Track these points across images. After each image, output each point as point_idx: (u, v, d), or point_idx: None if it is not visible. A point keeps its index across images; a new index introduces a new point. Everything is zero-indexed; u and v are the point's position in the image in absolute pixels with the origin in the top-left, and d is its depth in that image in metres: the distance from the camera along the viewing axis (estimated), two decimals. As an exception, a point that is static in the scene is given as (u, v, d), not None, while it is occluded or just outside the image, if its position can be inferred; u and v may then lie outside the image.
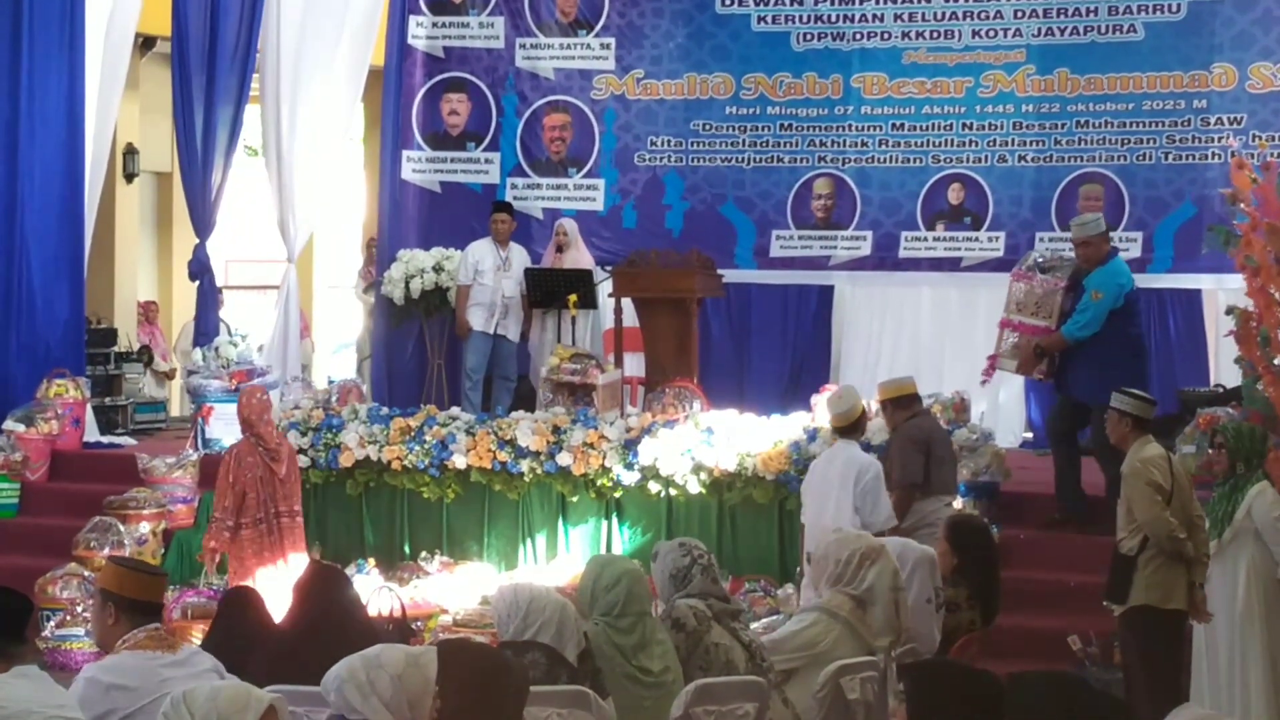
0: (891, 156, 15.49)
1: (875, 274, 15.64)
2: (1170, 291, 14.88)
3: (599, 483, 12.04)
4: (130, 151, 18.19)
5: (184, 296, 18.21)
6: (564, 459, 12.01)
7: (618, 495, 12.07)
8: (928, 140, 15.38)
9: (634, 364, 14.27)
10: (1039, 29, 15.12)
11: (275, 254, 16.64)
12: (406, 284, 15.17)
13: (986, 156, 15.26)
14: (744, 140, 15.75)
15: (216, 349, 14.13)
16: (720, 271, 14.33)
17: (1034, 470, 11.86)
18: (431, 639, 9.93)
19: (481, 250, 14.85)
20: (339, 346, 22.64)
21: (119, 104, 15.42)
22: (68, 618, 11.11)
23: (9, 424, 13.22)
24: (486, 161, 16.23)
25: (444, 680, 4.93)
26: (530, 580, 9.07)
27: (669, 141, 15.90)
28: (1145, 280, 14.61)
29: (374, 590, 9.43)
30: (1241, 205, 9.73)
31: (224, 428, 13.29)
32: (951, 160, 15.34)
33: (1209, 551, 8.85)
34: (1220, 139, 14.44)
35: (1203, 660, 9.07)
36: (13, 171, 14.07)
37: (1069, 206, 15.00)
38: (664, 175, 15.92)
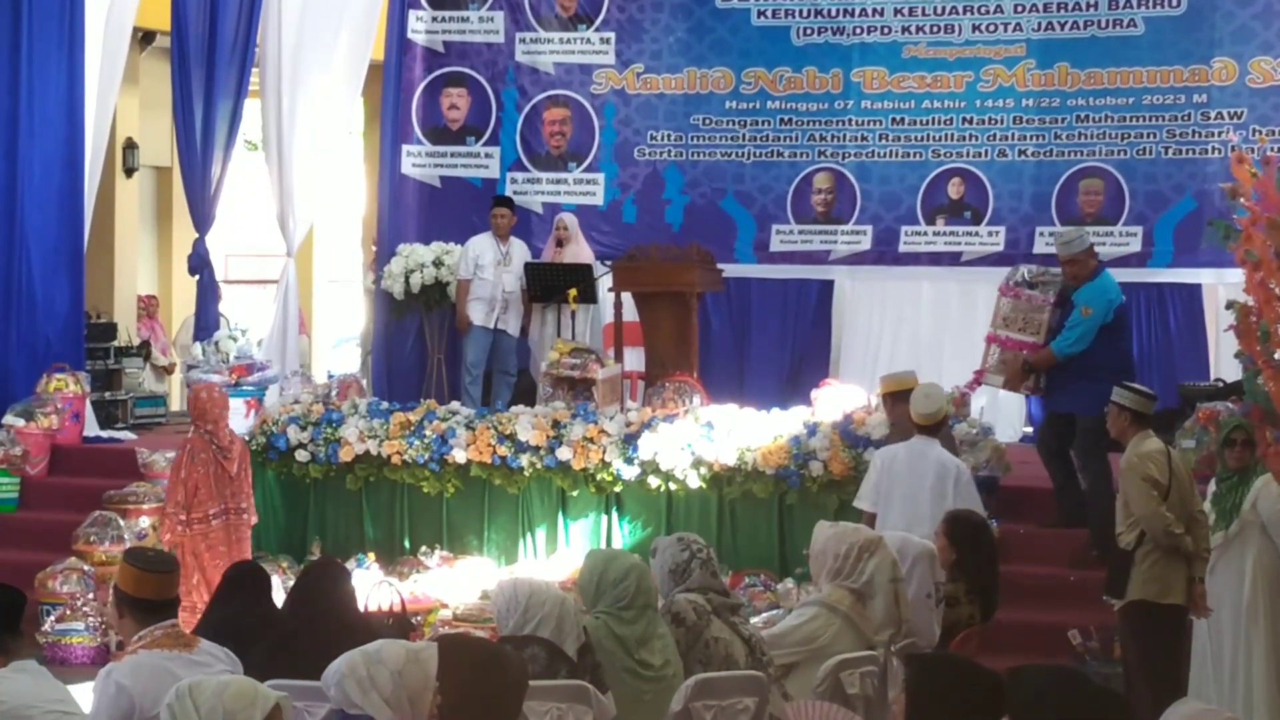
0: (891, 151, 15.49)
1: (875, 268, 15.65)
2: (1170, 286, 14.90)
3: (599, 477, 12.03)
4: (130, 146, 18.18)
5: (184, 291, 18.22)
6: (564, 453, 12.00)
7: (617, 490, 12.06)
8: (928, 135, 15.39)
9: (634, 358, 14.27)
10: (1039, 23, 15.12)
11: (275, 248, 16.64)
12: (406, 278, 15.17)
13: (986, 151, 15.27)
14: (744, 135, 15.76)
15: (216, 344, 14.13)
16: (720, 266, 14.34)
17: (1034, 465, 11.84)
18: (431, 634, 9.93)
19: (482, 245, 14.85)
20: (339, 341, 22.64)
21: (118, 99, 15.41)
22: (67, 612, 11.11)
23: (9, 419, 13.22)
24: (486, 156, 16.23)
25: (444, 675, 4.93)
26: (530, 575, 9.07)
27: (669, 136, 15.90)
28: (1145, 275, 14.69)
29: (374, 585, 9.43)
30: (1241, 200, 9.71)
31: (223, 422, 13.30)
32: (951, 155, 15.35)
33: (1209, 546, 8.85)
34: (1220, 133, 14.46)
35: (1206, 654, 9.07)
36: (12, 167, 14.06)
37: (1069, 201, 15.02)
38: (664, 170, 15.93)
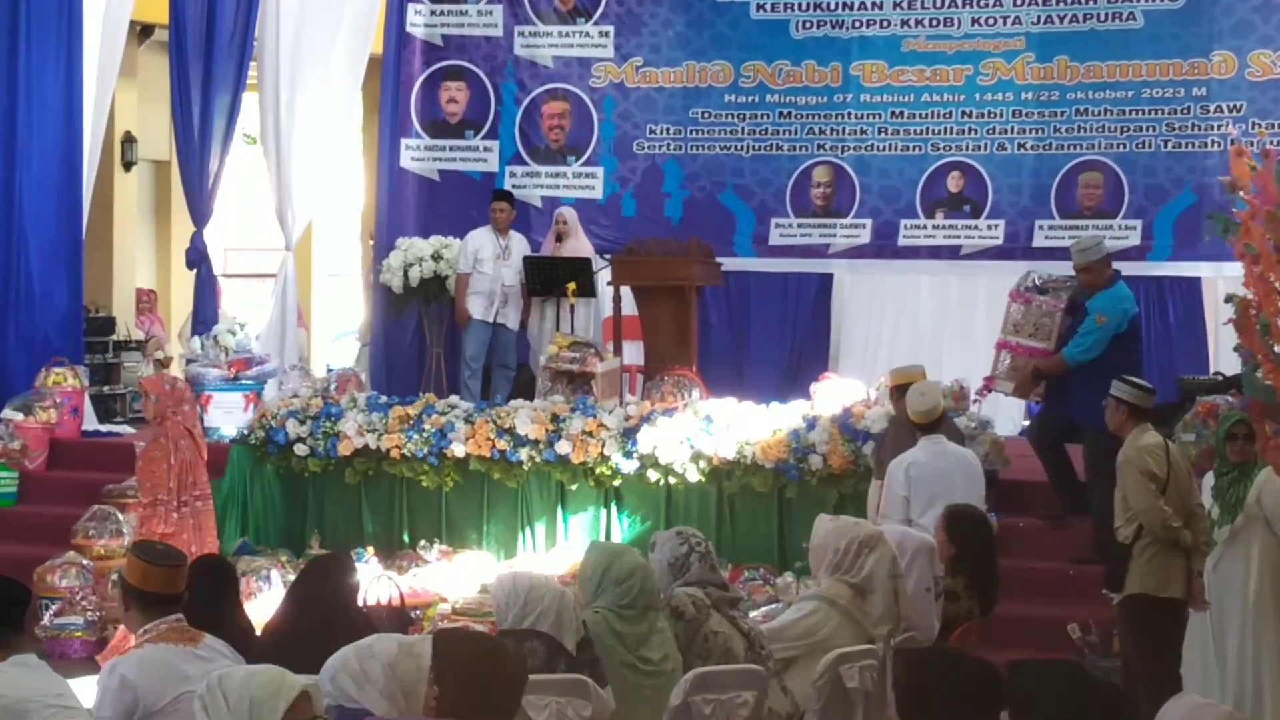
0: (891, 144, 15.48)
1: (874, 262, 15.64)
2: (1169, 279, 14.90)
3: (598, 471, 12.03)
4: (129, 140, 18.17)
5: (183, 285, 18.19)
6: (563, 447, 12.00)
7: (617, 484, 12.06)
8: (927, 128, 15.38)
9: (633, 352, 14.27)
10: (1038, 16, 15.11)
11: (274, 242, 16.62)
12: (405, 272, 15.16)
13: (986, 144, 15.26)
14: (743, 128, 15.74)
15: (215, 338, 14.12)
16: (719, 259, 14.34)
17: (1033, 459, 11.83)
18: (430, 627, 9.93)
19: (481, 238, 14.85)
20: (338, 335, 22.64)
21: (117, 92, 15.40)
22: (66, 606, 11.11)
23: (8, 413, 13.21)
24: (485, 150, 16.22)
25: (442, 669, 4.94)
26: (529, 569, 9.06)
27: (668, 129, 15.89)
28: (1145, 268, 14.68)
29: (373, 579, 9.43)
30: (1241, 193, 9.70)
31: (223, 416, 13.31)
32: (951, 148, 15.34)
33: (1208, 540, 8.84)
34: (1220, 126, 14.47)
35: (1209, 649, 9.06)
36: (10, 160, 14.05)
37: (1068, 194, 15.03)
38: (663, 163, 15.92)
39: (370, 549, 12.01)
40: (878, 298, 15.79)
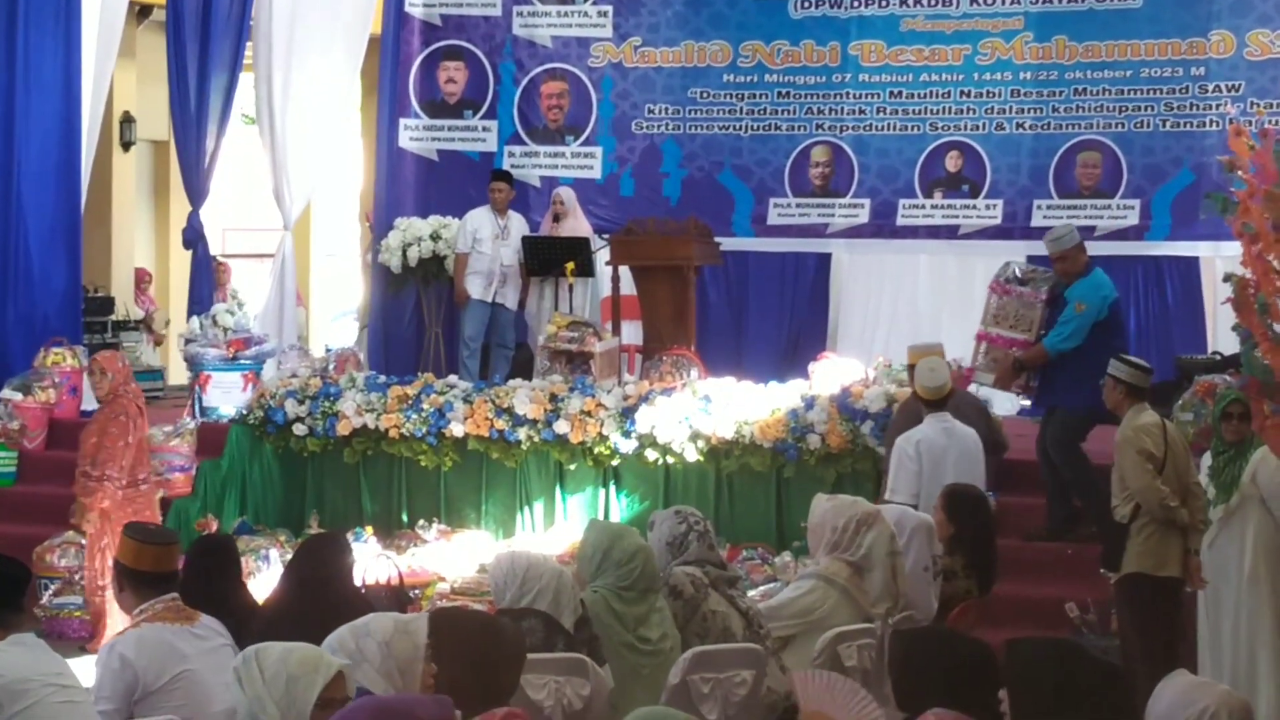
0: (889, 124, 15.47)
1: (873, 242, 15.64)
2: (1168, 259, 14.91)
3: (596, 451, 12.04)
4: (127, 120, 18.16)
5: (181, 265, 18.19)
6: (561, 427, 12.01)
7: (615, 463, 12.07)
8: (926, 108, 15.37)
9: (631, 332, 14.28)
10: (1036, -4, 15.12)
11: (273, 222, 16.62)
12: (404, 252, 15.15)
13: (984, 124, 15.25)
14: (741, 108, 15.74)
15: (214, 317, 14.11)
16: (718, 239, 14.34)
17: (1032, 439, 11.81)
18: (429, 607, 9.94)
19: (479, 218, 14.84)
20: (337, 314, 22.63)
21: (116, 72, 15.39)
22: (65, 586, 11.13)
23: (6, 392, 13.21)
24: (484, 129, 16.21)
25: (440, 648, 4.95)
26: (527, 548, 9.07)
27: (666, 109, 15.88)
28: (1143, 248, 14.70)
29: (372, 558, 9.44)
30: (1239, 172, 9.70)
31: (222, 396, 13.30)
32: (949, 128, 15.34)
33: (1205, 519, 8.86)
34: (1218, 106, 14.45)
35: (1204, 627, 9.08)
36: (9, 141, 14.05)
37: (1067, 174, 15.02)
38: (661, 143, 15.91)
39: (369, 528, 12.04)
40: (876, 277, 15.80)
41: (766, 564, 11.19)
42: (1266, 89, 14.47)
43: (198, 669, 5.92)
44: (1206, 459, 9.31)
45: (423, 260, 15.12)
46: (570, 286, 14.27)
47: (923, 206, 15.41)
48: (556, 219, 14.95)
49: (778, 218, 15.70)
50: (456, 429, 12.22)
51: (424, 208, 15.78)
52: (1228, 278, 8.74)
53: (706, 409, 11.87)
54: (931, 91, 15.33)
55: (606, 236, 14.38)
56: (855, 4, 15.47)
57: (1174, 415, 10.67)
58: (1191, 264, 14.88)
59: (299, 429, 12.49)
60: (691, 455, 11.85)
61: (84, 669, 6.08)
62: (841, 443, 11.51)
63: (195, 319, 14.29)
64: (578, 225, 14.93)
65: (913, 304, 15.57)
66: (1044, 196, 15.05)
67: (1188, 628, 9.11)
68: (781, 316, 15.77)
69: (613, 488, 12.12)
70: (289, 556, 9.48)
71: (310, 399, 12.56)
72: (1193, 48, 14.68)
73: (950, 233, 15.37)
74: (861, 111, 15.52)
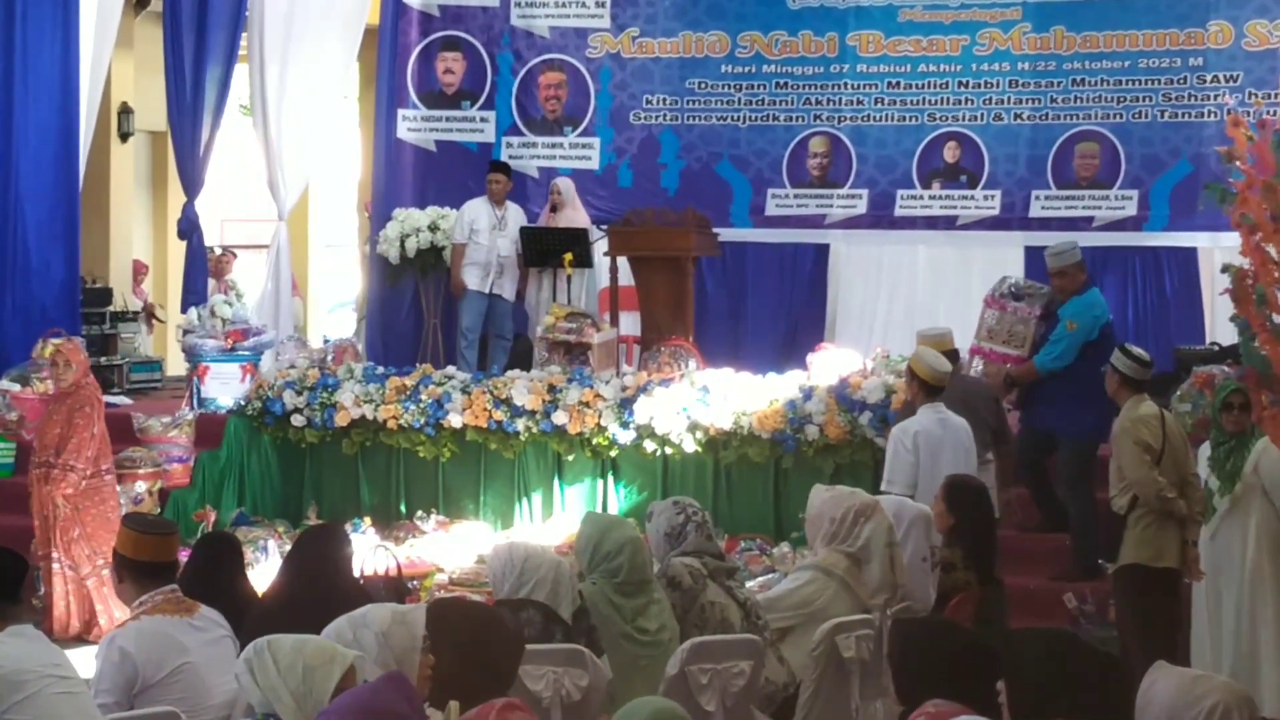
0: (887, 115, 15.47)
1: (871, 232, 15.63)
2: (1166, 250, 14.89)
3: (594, 441, 12.04)
4: (125, 111, 18.14)
5: (179, 256, 18.17)
6: (559, 418, 12.00)
7: (613, 454, 12.07)
8: (923, 98, 15.36)
9: (630, 323, 14.25)
10: (1035, -14, 15.11)
11: (270, 213, 16.61)
12: (402, 243, 15.14)
13: (982, 115, 15.24)
14: (739, 99, 15.73)
15: (212, 308, 14.11)
16: (716, 230, 14.35)
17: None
18: (427, 598, 9.94)
19: (477, 209, 14.83)
20: (335, 305, 22.62)
21: (113, 63, 15.38)
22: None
23: (4, 383, 13.20)
24: (482, 120, 16.20)
25: (438, 639, 4.95)
26: (526, 539, 9.08)
27: (664, 100, 15.87)
28: (1141, 239, 14.70)
29: (370, 549, 9.43)
30: (1237, 163, 9.70)
31: (220, 387, 13.32)
32: (947, 118, 15.33)
33: (1203, 510, 8.86)
34: (1216, 96, 14.46)
35: (1202, 617, 9.08)
36: (7, 131, 14.04)
37: (1065, 165, 15.01)
38: (659, 134, 15.90)
39: (367, 519, 12.03)
40: (874, 268, 15.76)
41: (765, 555, 11.18)
42: (1264, 79, 14.46)
43: (197, 661, 5.92)
44: (1205, 450, 9.31)
45: (421, 251, 15.11)
46: (568, 277, 14.27)
47: (921, 197, 15.40)
48: (554, 210, 14.94)
49: (776, 208, 15.70)
50: (455, 420, 12.22)
51: (422, 198, 15.77)
52: (1226, 268, 8.74)
53: (705, 400, 11.86)
54: (929, 82, 15.33)
55: (604, 227, 14.37)
56: (853, -6, 15.48)
57: (1172, 406, 10.69)
58: (1190, 255, 14.87)
59: (297, 420, 12.49)
60: (690, 446, 11.85)
61: (83, 660, 6.08)
62: (840, 433, 11.50)
63: (193, 310, 14.29)
64: (576, 216, 14.92)
65: (911, 295, 15.54)
66: (1042, 187, 15.04)
67: (1185, 618, 9.11)
68: (779, 307, 15.75)
69: (611, 479, 12.12)
70: (287, 547, 9.49)
71: (308, 390, 12.56)
72: (1191, 38, 14.68)
73: (948, 223, 15.37)
74: (859, 102, 15.51)
